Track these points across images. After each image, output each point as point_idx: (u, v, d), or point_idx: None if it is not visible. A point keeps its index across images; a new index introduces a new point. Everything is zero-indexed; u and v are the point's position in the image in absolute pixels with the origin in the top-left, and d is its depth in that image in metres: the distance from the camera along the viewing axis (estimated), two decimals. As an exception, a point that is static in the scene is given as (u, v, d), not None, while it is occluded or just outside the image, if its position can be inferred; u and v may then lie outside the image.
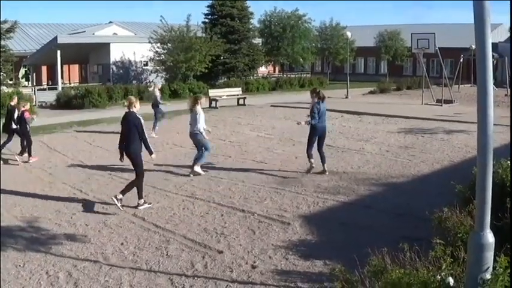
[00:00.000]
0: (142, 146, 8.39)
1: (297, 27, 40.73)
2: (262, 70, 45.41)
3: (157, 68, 30.93)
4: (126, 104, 8.49)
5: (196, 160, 10.60)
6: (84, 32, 35.39)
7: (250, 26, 37.23)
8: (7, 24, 23.90)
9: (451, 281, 3.87)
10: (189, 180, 10.11)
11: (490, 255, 3.85)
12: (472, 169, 5.40)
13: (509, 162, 5.95)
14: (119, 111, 20.09)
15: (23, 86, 28.09)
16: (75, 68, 40.23)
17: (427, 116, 19.28)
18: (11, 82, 25.08)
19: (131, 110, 8.38)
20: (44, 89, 29.65)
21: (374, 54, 47.73)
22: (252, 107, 24.14)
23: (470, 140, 13.67)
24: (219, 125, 17.45)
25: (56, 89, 28.88)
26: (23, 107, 12.66)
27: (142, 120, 8.32)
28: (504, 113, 15.58)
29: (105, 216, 7.99)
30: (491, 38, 3.84)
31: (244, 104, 25.33)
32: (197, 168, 10.54)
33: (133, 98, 8.61)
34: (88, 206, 8.53)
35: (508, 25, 39.07)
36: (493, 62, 4.81)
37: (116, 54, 32.32)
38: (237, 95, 26.46)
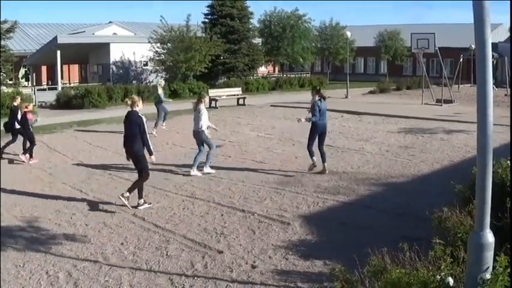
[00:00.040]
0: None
1: (296, 27, 40.73)
2: (262, 70, 45.41)
3: (157, 68, 30.92)
4: (129, 103, 8.46)
5: (206, 161, 10.69)
6: (84, 32, 35.38)
7: (250, 26, 37.22)
8: (7, 24, 23.90)
9: (450, 280, 3.87)
10: (189, 180, 10.11)
11: (489, 255, 3.85)
12: (471, 169, 5.40)
13: (509, 162, 5.95)
14: (118, 111, 20.18)
15: (22, 86, 28.07)
16: (75, 68, 40.23)
17: (427, 115, 19.28)
18: (10, 82, 25.08)
19: (134, 109, 8.35)
20: (44, 89, 29.63)
21: (374, 54, 47.74)
22: (252, 107, 24.14)
23: (470, 139, 13.67)
24: (219, 125, 17.35)
25: (55, 89, 28.86)
26: (26, 107, 12.70)
27: (144, 120, 8.30)
28: (504, 112, 15.60)
29: (105, 216, 7.99)
30: (491, 38, 3.84)
31: (244, 104, 25.34)
32: (208, 169, 10.64)
33: (136, 97, 8.58)
34: (89, 206, 8.53)
35: (508, 25, 39.11)
36: (492, 62, 4.81)
37: (115, 54, 32.32)
38: (237, 95, 26.47)
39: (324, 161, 10.51)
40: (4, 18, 23.60)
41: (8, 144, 12.67)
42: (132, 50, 32.36)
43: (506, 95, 27.06)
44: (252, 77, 36.41)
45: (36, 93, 26.77)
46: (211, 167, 10.78)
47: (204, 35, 31.34)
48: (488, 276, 3.80)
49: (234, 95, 26.14)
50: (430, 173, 10.63)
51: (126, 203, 8.25)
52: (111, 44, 32.12)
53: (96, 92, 25.17)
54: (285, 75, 42.81)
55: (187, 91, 29.10)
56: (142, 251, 6.52)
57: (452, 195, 6.22)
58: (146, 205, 8.37)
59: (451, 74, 33.48)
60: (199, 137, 10.66)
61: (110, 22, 38.23)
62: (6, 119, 13.61)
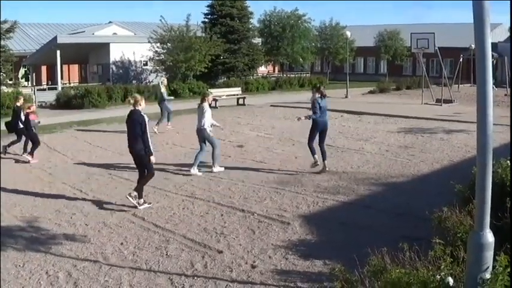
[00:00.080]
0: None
1: (296, 27, 40.72)
2: (262, 70, 45.40)
3: (157, 67, 30.93)
4: (131, 102, 8.43)
5: (214, 161, 10.71)
6: (84, 32, 35.38)
7: (250, 26, 37.23)
8: (7, 24, 23.91)
9: (450, 280, 3.87)
10: (189, 180, 10.11)
11: (489, 254, 3.85)
12: (471, 169, 5.40)
13: (508, 161, 5.95)
14: (118, 111, 20.21)
15: (22, 86, 28.07)
16: (74, 68, 40.24)
17: (426, 115, 19.28)
18: (10, 82, 25.08)
19: (136, 108, 8.34)
20: (44, 89, 29.64)
21: (374, 54, 47.74)
22: (252, 106, 24.14)
23: (469, 139, 13.67)
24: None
25: (55, 89, 28.87)
26: (29, 108, 12.74)
27: (146, 119, 8.28)
28: (504, 112, 15.61)
29: (104, 216, 7.99)
30: (490, 38, 3.84)
31: (243, 104, 25.33)
32: (217, 168, 10.67)
33: (138, 96, 8.55)
34: (88, 206, 8.53)
35: (508, 25, 39.11)
36: (492, 61, 4.80)
37: (115, 54, 32.32)
38: (237, 94, 26.47)
39: (324, 158, 10.53)
40: (4, 18, 23.64)
41: (13, 143, 12.81)
42: (132, 49, 32.37)
43: (506, 94, 27.07)
44: (251, 77, 36.41)
45: (36, 93, 26.74)
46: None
47: (204, 34, 31.34)
48: (488, 276, 3.80)
49: (234, 95, 26.13)
50: (430, 172, 10.63)
51: (134, 202, 8.26)
52: (111, 44, 32.12)
53: (96, 92, 25.17)
54: (284, 75, 42.81)
55: (187, 91, 29.10)
56: (142, 250, 6.52)
57: (452, 195, 6.22)
58: (146, 205, 8.37)
59: (451, 74, 33.49)
60: (201, 135, 10.70)
61: (110, 22, 38.23)
62: (6, 119, 13.65)
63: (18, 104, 13.05)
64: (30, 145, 12.45)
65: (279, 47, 40.33)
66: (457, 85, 31.68)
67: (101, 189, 9.58)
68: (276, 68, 49.88)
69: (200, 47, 29.63)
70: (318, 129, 10.46)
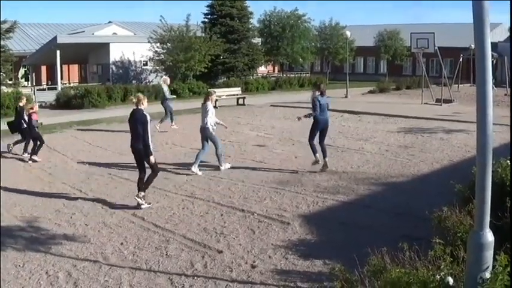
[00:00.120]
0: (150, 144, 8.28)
1: (296, 27, 40.72)
2: (262, 70, 45.40)
3: (157, 67, 30.93)
4: (134, 101, 8.44)
5: (219, 160, 10.76)
6: (84, 32, 35.37)
7: (250, 26, 37.22)
8: (7, 24, 23.88)
9: (450, 280, 3.87)
10: (189, 180, 10.12)
11: (489, 254, 3.85)
12: (471, 169, 5.39)
13: (508, 161, 5.95)
14: (118, 111, 20.21)
15: (22, 86, 28.07)
16: (74, 68, 40.22)
17: (426, 115, 19.28)
18: (10, 82, 25.06)
19: (139, 107, 8.35)
20: (44, 89, 29.65)
21: (373, 54, 47.73)
22: (252, 106, 24.13)
23: (469, 139, 13.67)
24: (219, 125, 17.42)
25: (55, 89, 28.86)
26: (31, 108, 12.77)
27: (149, 118, 8.29)
28: (504, 112, 15.59)
29: (104, 216, 7.99)
30: (490, 38, 3.83)
31: (243, 104, 25.32)
32: (223, 167, 10.73)
33: (141, 96, 8.57)
34: (88, 206, 8.53)
35: (508, 25, 39.11)
36: (492, 61, 4.81)
37: (115, 54, 32.32)
38: (237, 94, 26.43)
39: (325, 156, 10.53)
40: (4, 18, 23.61)
41: (17, 142, 12.93)
42: (131, 49, 32.37)
43: (506, 94, 27.08)
44: (251, 77, 36.40)
45: (36, 93, 26.76)
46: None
47: (203, 34, 31.34)
48: (488, 275, 3.80)
49: (234, 95, 26.10)
50: (430, 172, 10.63)
51: (142, 202, 8.27)
52: (110, 44, 32.12)
53: (95, 92, 25.16)
54: (284, 75, 42.82)
55: (187, 91, 29.10)
56: (142, 250, 6.52)
57: (452, 194, 6.22)
58: (146, 205, 8.37)
59: (451, 74, 33.48)
60: (204, 134, 10.73)
61: (110, 22, 38.22)
62: (6, 119, 13.68)
63: (21, 104, 13.15)
64: (30, 145, 12.47)
65: (278, 47, 40.33)
66: (456, 85, 31.68)
67: (101, 189, 9.58)
68: (276, 68, 49.89)
69: (200, 47, 29.63)
70: (319, 127, 10.47)
